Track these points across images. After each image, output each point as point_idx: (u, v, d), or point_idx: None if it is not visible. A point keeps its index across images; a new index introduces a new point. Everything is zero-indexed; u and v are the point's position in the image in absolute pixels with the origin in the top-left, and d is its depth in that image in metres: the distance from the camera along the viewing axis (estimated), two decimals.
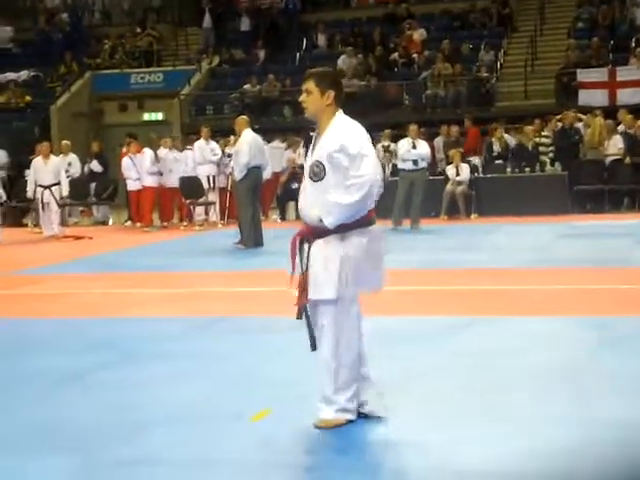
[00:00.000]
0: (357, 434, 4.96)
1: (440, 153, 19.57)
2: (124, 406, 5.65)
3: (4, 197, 17.88)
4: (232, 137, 19.05)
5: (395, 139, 18.32)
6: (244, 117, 14.76)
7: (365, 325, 5.12)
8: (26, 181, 18.60)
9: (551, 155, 19.08)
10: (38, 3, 30.66)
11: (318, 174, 4.91)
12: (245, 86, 25.07)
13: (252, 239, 13.93)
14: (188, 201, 18.75)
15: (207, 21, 28.25)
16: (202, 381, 6.20)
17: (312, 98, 4.97)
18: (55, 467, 4.61)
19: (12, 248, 15.74)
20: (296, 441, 4.93)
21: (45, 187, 17.09)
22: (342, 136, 4.90)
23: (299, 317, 5.02)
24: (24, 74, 27.27)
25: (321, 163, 4.91)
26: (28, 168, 18.66)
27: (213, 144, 19.26)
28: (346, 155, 4.85)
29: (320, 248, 4.93)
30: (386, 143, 19.05)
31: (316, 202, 4.91)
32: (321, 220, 4.88)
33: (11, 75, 27.24)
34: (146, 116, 26.65)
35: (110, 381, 6.30)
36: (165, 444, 4.89)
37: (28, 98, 26.60)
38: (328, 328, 4.92)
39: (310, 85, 4.97)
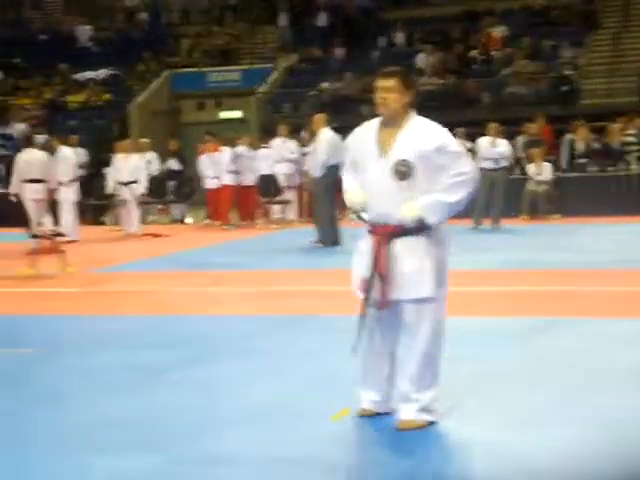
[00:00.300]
0: (431, 435, 4.87)
1: (521, 152, 19.17)
2: (203, 404, 5.64)
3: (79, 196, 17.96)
4: (303, 133, 19.05)
5: (473, 137, 18.01)
6: (322, 115, 14.62)
7: None
8: (105, 179, 18.75)
9: (637, 154, 18.60)
10: (117, 2, 30.96)
11: (405, 173, 4.84)
12: (323, 84, 24.97)
13: (329, 238, 13.80)
14: (265, 199, 18.71)
15: (283, 19, 28.23)
16: (281, 379, 6.16)
17: (395, 96, 4.89)
18: (135, 464, 4.59)
19: (91, 246, 15.81)
20: (371, 441, 4.90)
21: (124, 184, 17.16)
22: (438, 135, 4.88)
23: (381, 309, 4.92)
24: (103, 72, 27.55)
25: (409, 162, 4.82)
26: (107, 166, 18.79)
27: (290, 142, 19.19)
28: (444, 154, 4.83)
29: (408, 247, 4.88)
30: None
31: (401, 201, 4.83)
32: (420, 219, 4.81)
33: (90, 74, 27.55)
34: (223, 114, 26.72)
35: (189, 379, 6.29)
36: (244, 442, 4.87)
37: (107, 96, 26.86)
38: (421, 327, 4.89)
39: (394, 83, 4.89)
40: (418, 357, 4.88)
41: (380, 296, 4.87)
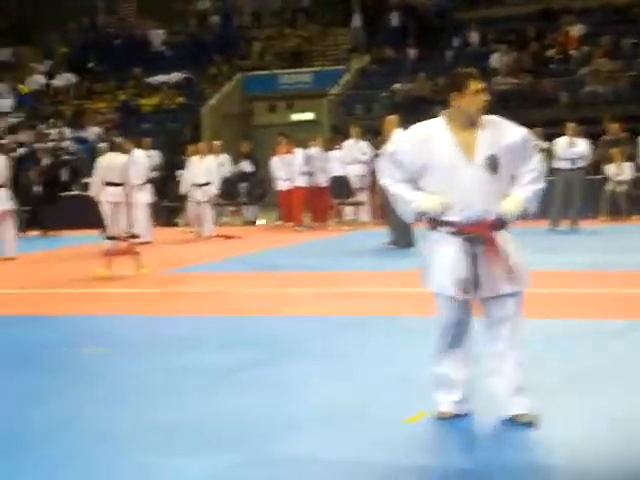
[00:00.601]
0: (516, 436, 4.80)
1: (601, 152, 18.71)
2: (273, 405, 5.61)
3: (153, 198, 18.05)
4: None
5: (551, 138, 17.64)
6: (394, 117, 14.40)
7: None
8: (178, 181, 18.82)
9: None
10: (190, 6, 31.13)
11: (495, 167, 4.89)
12: (395, 85, 24.76)
13: (403, 239, 13.59)
14: (337, 201, 18.62)
15: (356, 20, 28.10)
16: (353, 381, 6.08)
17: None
18: (205, 466, 4.56)
19: (164, 247, 15.86)
20: (448, 444, 4.84)
21: (198, 186, 17.20)
22: (519, 129, 5.00)
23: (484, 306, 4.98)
24: (176, 76, 27.73)
25: (497, 156, 4.89)
26: (180, 168, 18.88)
27: (362, 144, 19.07)
28: (527, 147, 4.99)
29: (504, 241, 4.95)
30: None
31: (494, 196, 4.91)
32: (525, 211, 4.94)
33: (163, 77, 27.75)
34: (295, 116, 26.68)
35: (259, 380, 6.26)
36: (315, 444, 4.83)
37: (180, 100, 27.01)
38: (519, 318, 4.97)
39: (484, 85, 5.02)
40: (521, 348, 4.96)
41: (485, 292, 4.88)
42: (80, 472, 4.56)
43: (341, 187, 18.42)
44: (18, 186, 16.03)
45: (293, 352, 7.12)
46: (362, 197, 18.76)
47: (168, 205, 20.51)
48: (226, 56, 28.13)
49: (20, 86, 28.78)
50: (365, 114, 24.42)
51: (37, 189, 20.20)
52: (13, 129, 26.28)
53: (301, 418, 5.28)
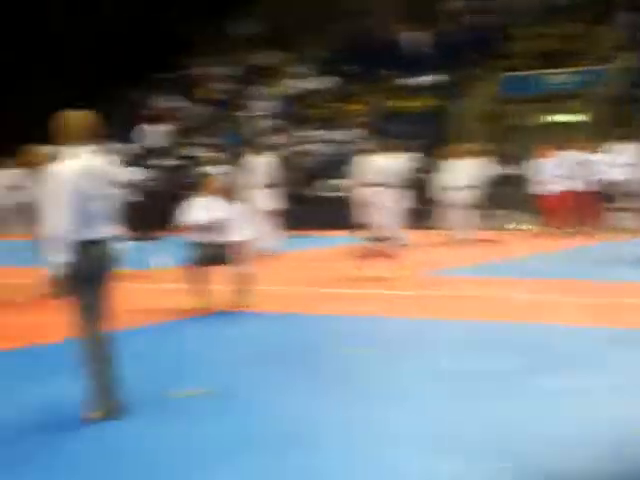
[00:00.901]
0: None
1: None
2: (545, 414, 5.40)
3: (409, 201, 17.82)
4: None
5: None
6: None
7: None
8: (434, 184, 18.52)
9: None
10: (445, 6, 30.75)
11: None
12: None
13: None
14: (605, 206, 17.74)
15: (623, 17, 26.71)
16: (628, 396, 5.73)
17: None
18: (477, 470, 4.47)
19: (420, 250, 15.49)
20: None
21: (455, 189, 16.79)
22: None
23: None
24: (432, 78, 27.41)
25: None
26: (435, 171, 18.58)
27: (632, 146, 18.07)
28: None
29: None
30: None
31: None
32: None
33: (418, 79, 27.51)
34: (557, 118, 25.64)
35: (531, 387, 6.04)
36: (590, 459, 4.57)
37: (435, 101, 26.64)
38: None
39: None
40: None
41: None
42: (352, 473, 4.52)
43: (609, 192, 17.52)
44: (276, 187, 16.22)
45: (563, 362, 6.76)
46: (631, 202, 17.68)
47: (424, 208, 20.14)
48: (483, 57, 27.49)
49: (277, 89, 29.38)
50: (633, 115, 23.08)
51: (294, 190, 20.39)
52: (271, 132, 26.80)
53: (574, 431, 5.04)
